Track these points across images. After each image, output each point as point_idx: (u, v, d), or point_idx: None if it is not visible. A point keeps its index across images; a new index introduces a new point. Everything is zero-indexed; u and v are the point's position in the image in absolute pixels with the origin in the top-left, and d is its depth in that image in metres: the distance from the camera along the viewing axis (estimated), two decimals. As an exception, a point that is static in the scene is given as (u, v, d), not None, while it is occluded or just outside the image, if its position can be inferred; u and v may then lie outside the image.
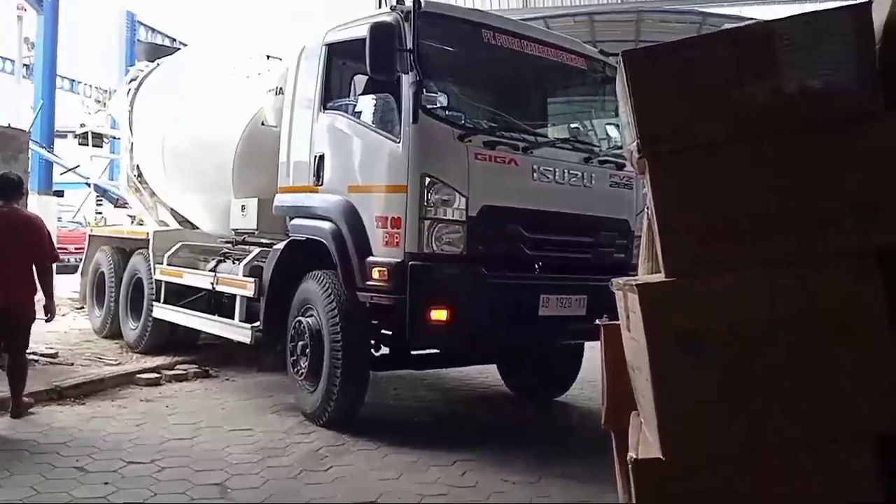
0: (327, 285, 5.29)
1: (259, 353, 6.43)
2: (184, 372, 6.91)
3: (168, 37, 14.43)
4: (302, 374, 5.46)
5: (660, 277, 1.64)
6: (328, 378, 5.18)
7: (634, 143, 1.62)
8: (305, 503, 3.90)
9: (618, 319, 1.98)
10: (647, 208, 1.76)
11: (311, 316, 5.40)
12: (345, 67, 5.86)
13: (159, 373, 6.78)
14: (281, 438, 5.06)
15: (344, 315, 5.15)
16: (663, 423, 1.51)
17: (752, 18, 15.43)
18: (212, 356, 7.53)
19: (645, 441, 1.70)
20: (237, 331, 6.27)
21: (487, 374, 7.02)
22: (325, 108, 5.66)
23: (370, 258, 5.07)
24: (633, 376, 1.84)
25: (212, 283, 6.68)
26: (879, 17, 1.55)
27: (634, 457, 1.59)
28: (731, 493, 1.50)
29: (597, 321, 2.16)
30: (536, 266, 5.15)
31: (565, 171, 5.33)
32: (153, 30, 15.68)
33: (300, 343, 5.48)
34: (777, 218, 1.53)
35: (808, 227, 1.52)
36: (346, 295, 5.18)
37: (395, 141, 5.01)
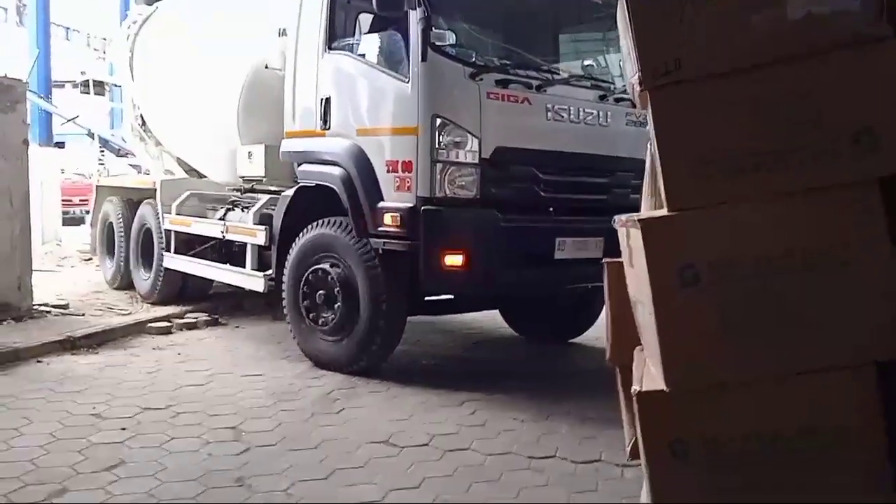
0: (350, 230, 5.18)
1: (272, 302, 6.41)
2: (194, 320, 6.99)
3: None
4: (324, 323, 5.35)
5: (662, 212, 1.64)
6: (368, 324, 5.08)
7: (636, 76, 1.60)
8: (318, 444, 3.99)
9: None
10: (650, 142, 1.75)
11: (333, 264, 5.29)
12: (349, 6, 5.69)
13: (170, 321, 6.87)
14: (292, 383, 5.15)
15: (382, 259, 5.02)
16: (666, 355, 1.53)
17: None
18: (221, 305, 7.61)
19: (649, 374, 1.72)
20: (250, 279, 6.26)
21: (498, 318, 7.02)
22: (329, 49, 5.51)
23: (381, 203, 4.98)
24: (636, 310, 1.86)
25: (222, 232, 6.65)
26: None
27: (638, 389, 1.61)
28: (735, 422, 1.52)
29: (603, 260, 2.15)
30: (551, 209, 5.06)
31: (580, 109, 5.17)
32: (146, -25, 15.30)
33: (319, 293, 5.37)
34: (779, 149, 1.51)
35: (810, 158, 1.51)
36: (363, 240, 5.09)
37: (403, 81, 4.88)
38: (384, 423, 4.33)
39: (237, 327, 7.03)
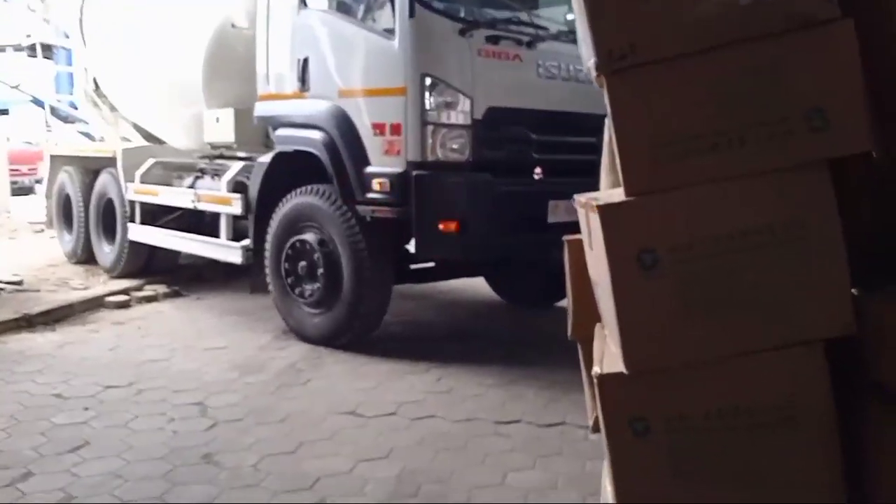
0: (335, 198, 5.01)
1: (232, 271, 6.29)
2: (153, 293, 6.90)
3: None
4: (310, 295, 5.23)
5: (620, 195, 1.65)
6: (352, 295, 4.97)
7: (592, 60, 1.59)
8: (284, 417, 4.00)
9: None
10: (608, 121, 1.75)
11: (314, 232, 5.16)
12: None
13: (128, 295, 6.77)
14: (256, 355, 5.14)
15: (366, 228, 4.91)
16: (626, 338, 1.56)
17: None
18: (181, 276, 7.49)
19: (609, 354, 1.75)
20: (225, 251, 6.07)
21: (468, 282, 7.00)
22: (305, 5, 5.27)
23: (368, 169, 4.81)
24: (596, 292, 1.88)
25: (192, 201, 6.39)
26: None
27: (599, 371, 1.64)
28: (695, 401, 1.57)
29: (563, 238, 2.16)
30: (541, 170, 4.93)
31: (570, 66, 4.98)
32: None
33: (301, 264, 5.24)
34: (733, 131, 1.53)
35: (762, 139, 1.53)
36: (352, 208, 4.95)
37: (389, 38, 4.68)
38: (351, 393, 4.37)
39: (198, 298, 6.96)
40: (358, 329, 5.13)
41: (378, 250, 5.00)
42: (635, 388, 1.58)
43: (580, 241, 2.05)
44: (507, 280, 6.70)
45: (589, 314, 2.05)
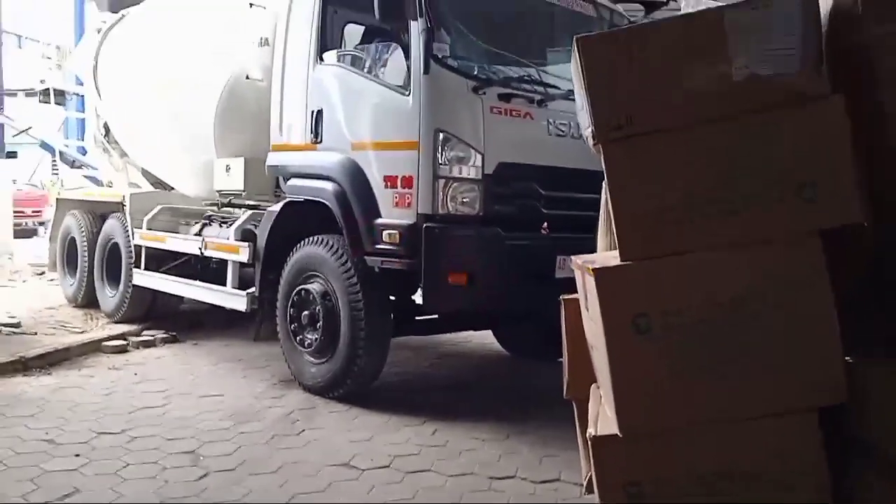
0: (339, 249, 5.06)
1: (233, 319, 6.28)
2: (151, 338, 6.87)
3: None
4: (309, 345, 5.24)
5: (616, 257, 1.69)
6: (349, 348, 4.97)
7: (590, 129, 1.65)
8: (278, 467, 3.96)
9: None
10: (605, 186, 1.79)
11: (318, 283, 5.19)
12: (336, 16, 5.56)
13: (126, 339, 6.74)
14: (251, 404, 5.10)
15: (363, 280, 4.92)
16: (620, 402, 1.57)
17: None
18: (178, 322, 7.48)
19: (604, 415, 1.77)
20: (231, 298, 6.04)
21: (464, 333, 6.97)
22: (321, 60, 5.37)
23: (379, 220, 4.83)
24: (592, 353, 1.91)
25: (200, 248, 6.39)
26: (826, 2, 1.58)
27: (594, 433, 1.65)
28: (687, 466, 1.57)
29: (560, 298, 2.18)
30: (552, 226, 4.93)
31: (579, 124, 5.06)
32: (101, -19, 15.06)
33: (305, 313, 5.26)
34: (725, 201, 1.58)
35: (755, 209, 1.57)
36: (356, 259, 4.98)
37: (403, 94, 4.74)
38: (345, 445, 4.32)
39: (195, 344, 6.92)
40: (354, 382, 5.10)
41: (377, 306, 5.00)
42: (629, 451, 1.60)
43: (577, 300, 2.07)
44: (514, 333, 6.67)
45: (585, 374, 2.07)
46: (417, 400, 5.26)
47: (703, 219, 1.59)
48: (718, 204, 1.58)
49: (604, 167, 1.62)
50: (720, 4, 1.73)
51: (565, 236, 4.89)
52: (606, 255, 1.88)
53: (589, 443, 1.64)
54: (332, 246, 5.14)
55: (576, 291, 2.20)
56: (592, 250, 4.88)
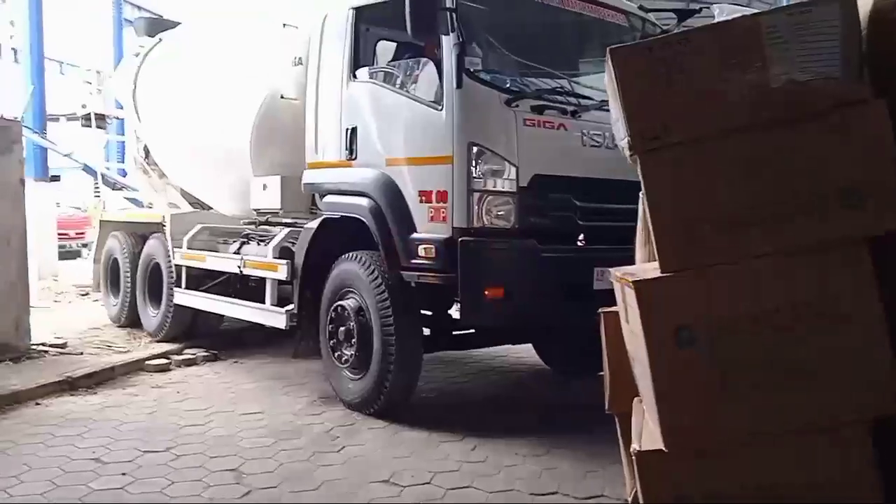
0: (371, 265, 5.11)
1: (295, 338, 6.21)
2: (192, 356, 6.97)
3: (154, 14, 14.27)
4: (346, 361, 5.29)
5: (655, 268, 1.67)
6: (380, 364, 5.00)
7: (625, 140, 1.64)
8: (319, 484, 3.98)
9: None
10: (642, 197, 1.78)
11: (353, 299, 5.24)
12: (369, 34, 5.57)
13: (168, 358, 6.85)
14: (291, 420, 5.14)
15: (393, 295, 4.96)
16: (664, 417, 1.55)
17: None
18: (219, 340, 7.58)
19: (648, 430, 1.74)
20: (270, 315, 6.09)
21: (499, 348, 6.91)
22: (354, 78, 5.42)
23: (415, 235, 4.85)
24: (633, 366, 1.88)
25: (239, 267, 6.46)
26: (864, 5, 1.55)
27: (637, 448, 1.63)
28: (733, 483, 1.54)
29: (599, 311, 2.16)
30: (583, 237, 4.88)
31: (614, 135, 5.00)
32: (139, 7, 15.50)
33: (341, 329, 5.31)
34: (766, 210, 1.55)
35: (797, 218, 1.54)
36: (392, 274, 5.00)
37: (437, 109, 4.76)
38: (385, 461, 4.33)
39: (235, 362, 7.01)
40: (387, 398, 5.10)
41: (408, 321, 5.02)
42: (675, 466, 1.57)
43: (616, 314, 2.05)
44: (553, 347, 6.59)
45: (627, 388, 2.04)
46: (456, 415, 5.25)
47: (744, 228, 1.56)
48: (759, 213, 1.55)
49: (641, 178, 1.61)
50: (755, 11, 1.71)
51: (602, 248, 4.83)
52: (646, 267, 1.86)
53: (633, 458, 1.61)
54: (364, 262, 5.18)
55: (614, 303, 2.18)
56: (630, 262, 4.86)
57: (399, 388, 5.10)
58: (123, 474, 4.11)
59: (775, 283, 1.56)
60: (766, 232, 1.55)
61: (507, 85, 4.85)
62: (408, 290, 4.99)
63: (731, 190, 1.57)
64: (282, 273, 5.88)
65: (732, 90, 1.54)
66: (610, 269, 1.98)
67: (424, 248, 4.78)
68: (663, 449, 1.56)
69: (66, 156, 12.42)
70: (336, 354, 5.41)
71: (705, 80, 1.55)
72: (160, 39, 8.56)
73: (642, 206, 1.83)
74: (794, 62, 1.51)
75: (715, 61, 1.55)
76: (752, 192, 1.56)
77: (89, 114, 10.56)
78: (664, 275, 1.59)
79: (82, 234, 16.95)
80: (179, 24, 8.96)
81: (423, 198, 4.85)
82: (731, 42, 1.55)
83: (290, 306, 5.80)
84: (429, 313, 5.36)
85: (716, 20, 2.45)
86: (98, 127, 10.53)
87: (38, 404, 5.48)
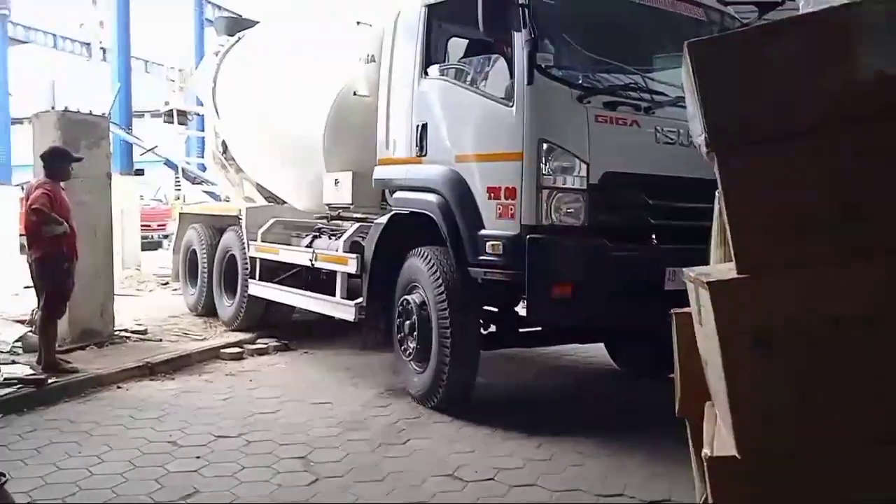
0: (433, 261, 5.14)
1: (363, 331, 6.28)
2: (265, 346, 7.17)
3: (234, 13, 14.69)
4: (410, 354, 5.36)
5: (731, 269, 1.61)
6: (437, 358, 5.05)
7: (702, 136, 1.59)
8: (385, 476, 4.03)
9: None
10: (718, 196, 1.72)
11: (418, 293, 5.29)
12: (440, 31, 5.57)
13: (242, 347, 7.06)
14: (359, 412, 5.22)
15: (451, 292, 4.98)
16: (738, 422, 1.50)
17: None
18: (290, 330, 7.75)
19: (720, 435, 1.69)
20: (340, 308, 6.21)
21: (568, 347, 6.85)
22: (426, 74, 5.46)
23: (483, 231, 4.85)
24: (706, 369, 1.83)
25: (310, 260, 6.59)
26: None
27: (709, 454, 1.59)
28: (810, 492, 1.48)
29: (672, 311, 2.11)
30: (661, 236, 4.79)
31: (688, 131, 4.85)
32: (220, 8, 15.97)
33: (407, 322, 5.38)
34: (848, 212, 1.48)
35: (881, 221, 1.46)
36: (453, 271, 5.03)
37: (507, 105, 4.75)
38: (450, 456, 4.35)
39: (306, 352, 7.17)
40: (445, 393, 5.11)
41: (465, 317, 5.02)
42: (748, 473, 1.52)
43: (689, 314, 2.00)
44: (625, 348, 6.48)
45: (698, 391, 1.99)
46: (522, 413, 5.23)
47: (826, 229, 1.49)
48: (842, 213, 1.48)
49: (717, 176, 1.56)
50: (843, 2, 1.64)
51: (675, 247, 4.72)
52: (721, 268, 1.80)
53: (705, 463, 1.57)
54: (426, 257, 5.22)
55: (687, 304, 2.12)
56: (703, 262, 4.70)
57: (456, 384, 5.11)
58: (198, 457, 4.26)
59: (857, 286, 1.49)
60: (849, 233, 1.48)
61: (579, 81, 4.79)
62: (467, 288, 5.00)
63: (813, 189, 1.50)
64: (351, 267, 5.97)
65: (819, 85, 1.47)
66: (683, 270, 1.92)
67: (492, 245, 4.77)
68: (736, 455, 1.51)
69: (150, 150, 12.93)
70: (402, 347, 5.48)
71: (788, 74, 1.49)
72: (238, 39, 8.81)
73: (718, 205, 1.77)
74: (884, 55, 1.44)
75: (801, 55, 1.48)
76: (836, 191, 1.49)
77: (172, 110, 10.95)
78: (741, 276, 1.53)
79: (163, 225, 17.64)
80: (258, 23, 9.21)
81: (492, 194, 4.83)
82: (817, 35, 1.49)
83: (359, 299, 5.88)
84: (490, 309, 5.37)
85: (800, 11, 2.36)
86: (180, 123, 10.90)
87: (119, 388, 5.73)
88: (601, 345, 6.63)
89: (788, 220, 1.51)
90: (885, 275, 1.48)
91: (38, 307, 6.01)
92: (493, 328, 5.47)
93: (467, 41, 5.71)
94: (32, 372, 5.58)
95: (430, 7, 5.48)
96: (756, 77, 1.52)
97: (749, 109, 1.52)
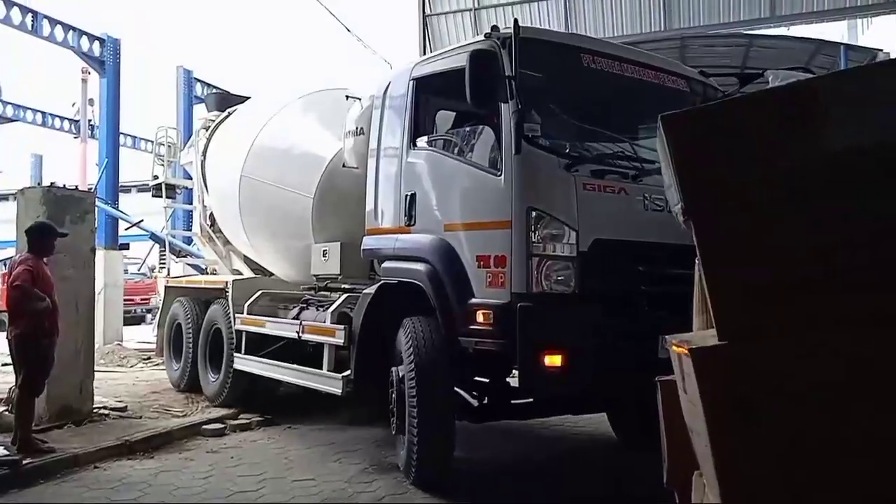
0: (409, 333, 5.09)
1: (352, 405, 6.21)
2: (247, 421, 7.02)
3: (223, 90, 14.95)
4: (393, 426, 5.27)
5: (713, 336, 1.61)
6: (409, 433, 4.96)
7: (679, 205, 1.61)
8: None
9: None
10: (697, 263, 1.74)
11: (402, 366, 5.19)
12: (429, 104, 5.67)
13: (224, 423, 6.90)
14: (343, 488, 5.08)
15: (422, 364, 4.92)
16: (726, 492, 1.47)
17: (799, 38, 15.03)
18: (275, 404, 7.60)
19: (708, 506, 1.66)
20: (327, 381, 6.09)
21: (554, 420, 6.72)
22: (414, 146, 5.52)
23: (473, 300, 4.79)
24: (692, 438, 1.81)
25: (297, 332, 6.49)
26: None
27: (698, 526, 1.55)
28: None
29: (656, 379, 2.10)
30: (653, 304, 4.75)
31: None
32: (209, 85, 16.26)
33: (394, 395, 5.27)
34: (825, 279, 1.49)
35: (857, 288, 1.47)
36: (428, 343, 4.97)
37: (496, 174, 4.77)
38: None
39: (289, 427, 7.01)
40: (419, 468, 4.98)
41: (435, 392, 4.94)
42: (739, 547, 1.48)
43: (674, 382, 1.99)
44: (621, 418, 6.35)
45: (686, 460, 1.96)
46: (510, 490, 5.11)
47: (804, 296, 1.50)
48: (816, 283, 1.49)
49: (695, 243, 1.58)
50: (811, 76, 1.69)
51: (668, 314, 4.55)
52: (704, 334, 1.80)
53: (694, 536, 1.53)
54: (406, 328, 5.16)
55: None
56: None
57: (428, 460, 4.96)
58: (176, 541, 4.11)
59: (840, 352, 1.48)
60: (825, 302, 1.49)
61: (567, 150, 4.85)
62: (441, 361, 4.93)
63: (788, 258, 1.51)
64: (339, 338, 5.89)
65: (790, 155, 1.51)
66: (665, 338, 1.92)
67: (482, 314, 4.71)
68: (726, 528, 1.47)
69: (135, 225, 12.92)
70: (390, 420, 5.38)
71: (762, 144, 1.52)
72: (228, 114, 8.95)
73: (698, 273, 1.79)
74: (854, 127, 1.48)
75: (772, 125, 1.52)
76: (810, 260, 1.50)
77: (160, 184, 11.02)
78: (721, 343, 1.53)
79: (147, 299, 17.49)
80: (248, 98, 9.38)
81: (482, 262, 4.81)
82: (789, 106, 1.53)
83: (347, 372, 5.78)
84: (485, 380, 5.28)
85: (769, 86, 2.43)
86: (168, 196, 10.96)
87: (96, 468, 5.56)
88: (597, 414, 6.51)
89: (767, 287, 1.52)
90: (868, 342, 1.48)
91: (15, 385, 5.88)
92: (485, 400, 5.37)
93: (455, 113, 5.79)
94: (7, 453, 5.42)
95: (417, 80, 5.59)
96: (728, 147, 1.56)
97: (723, 179, 1.55)
